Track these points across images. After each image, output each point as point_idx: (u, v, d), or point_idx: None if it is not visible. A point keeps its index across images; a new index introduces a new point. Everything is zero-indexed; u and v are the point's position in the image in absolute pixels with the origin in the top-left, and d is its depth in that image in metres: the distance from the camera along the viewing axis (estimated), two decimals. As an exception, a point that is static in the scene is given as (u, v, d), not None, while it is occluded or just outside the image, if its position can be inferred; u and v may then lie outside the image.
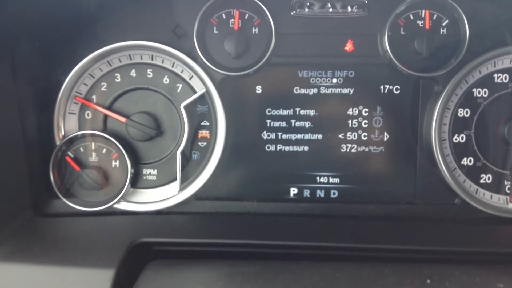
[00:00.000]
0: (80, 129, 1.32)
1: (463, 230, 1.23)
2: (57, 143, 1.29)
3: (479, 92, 1.28)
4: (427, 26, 1.25)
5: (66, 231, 1.23)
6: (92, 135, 1.30)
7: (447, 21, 1.25)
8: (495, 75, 1.28)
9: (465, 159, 1.30)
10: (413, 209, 1.31)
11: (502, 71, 1.28)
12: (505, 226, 1.27)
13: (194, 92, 1.30)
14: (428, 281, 0.92)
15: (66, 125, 1.31)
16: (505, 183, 1.30)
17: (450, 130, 1.29)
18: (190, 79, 1.31)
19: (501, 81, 1.28)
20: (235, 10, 1.27)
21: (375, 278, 0.95)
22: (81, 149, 1.31)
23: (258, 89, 1.31)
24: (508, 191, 1.30)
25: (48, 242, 1.14)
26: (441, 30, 1.25)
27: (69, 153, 1.30)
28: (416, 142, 1.31)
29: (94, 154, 1.31)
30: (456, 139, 1.29)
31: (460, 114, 1.29)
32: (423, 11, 1.25)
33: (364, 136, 1.31)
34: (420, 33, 1.24)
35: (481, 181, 1.30)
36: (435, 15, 1.25)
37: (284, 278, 0.95)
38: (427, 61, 1.25)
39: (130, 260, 1.04)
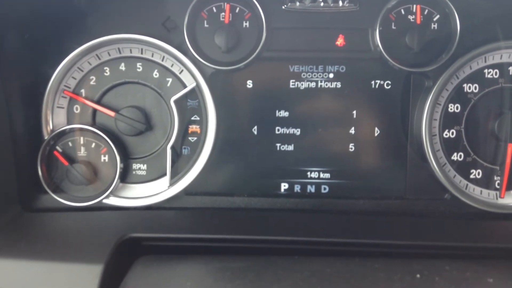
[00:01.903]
0: (68, 123, 1.30)
1: (453, 225, 1.23)
2: (45, 138, 1.28)
3: (469, 88, 1.29)
4: (418, 21, 1.25)
5: (54, 227, 1.21)
6: (81, 129, 1.29)
7: (438, 16, 1.25)
8: (486, 71, 1.28)
9: (455, 154, 1.30)
10: (403, 204, 1.31)
11: (493, 66, 1.28)
12: (495, 221, 1.27)
13: (184, 86, 1.29)
14: (418, 275, 0.92)
15: (54, 119, 1.30)
16: (495, 178, 1.30)
17: (441, 126, 1.29)
18: (180, 73, 1.30)
19: (491, 76, 1.28)
20: (225, 3, 1.26)
21: (366, 273, 0.95)
22: (70, 144, 1.30)
23: (249, 84, 1.30)
24: (497, 186, 1.30)
25: (36, 237, 1.13)
26: (432, 25, 1.25)
27: (57, 147, 1.29)
28: (406, 138, 1.31)
29: (83, 148, 1.30)
30: (446, 135, 1.30)
31: (451, 109, 1.29)
32: (414, 6, 1.25)
33: (355, 131, 1.31)
34: (411, 28, 1.24)
35: (471, 176, 1.31)
36: (426, 10, 1.25)
37: (274, 273, 0.94)
38: (418, 56, 1.25)
39: (118, 256, 1.03)
